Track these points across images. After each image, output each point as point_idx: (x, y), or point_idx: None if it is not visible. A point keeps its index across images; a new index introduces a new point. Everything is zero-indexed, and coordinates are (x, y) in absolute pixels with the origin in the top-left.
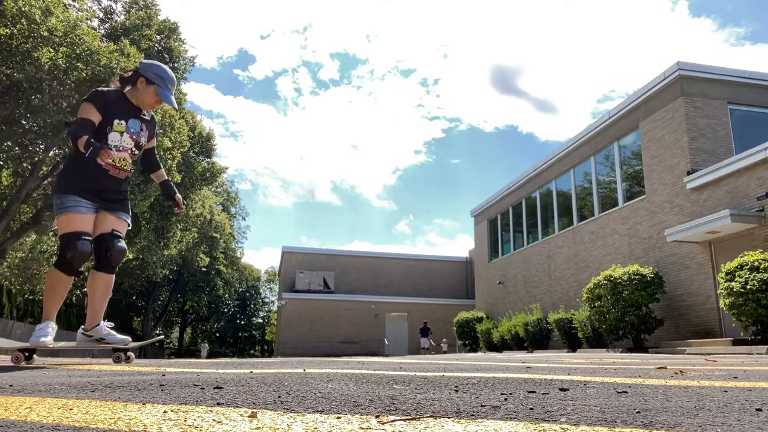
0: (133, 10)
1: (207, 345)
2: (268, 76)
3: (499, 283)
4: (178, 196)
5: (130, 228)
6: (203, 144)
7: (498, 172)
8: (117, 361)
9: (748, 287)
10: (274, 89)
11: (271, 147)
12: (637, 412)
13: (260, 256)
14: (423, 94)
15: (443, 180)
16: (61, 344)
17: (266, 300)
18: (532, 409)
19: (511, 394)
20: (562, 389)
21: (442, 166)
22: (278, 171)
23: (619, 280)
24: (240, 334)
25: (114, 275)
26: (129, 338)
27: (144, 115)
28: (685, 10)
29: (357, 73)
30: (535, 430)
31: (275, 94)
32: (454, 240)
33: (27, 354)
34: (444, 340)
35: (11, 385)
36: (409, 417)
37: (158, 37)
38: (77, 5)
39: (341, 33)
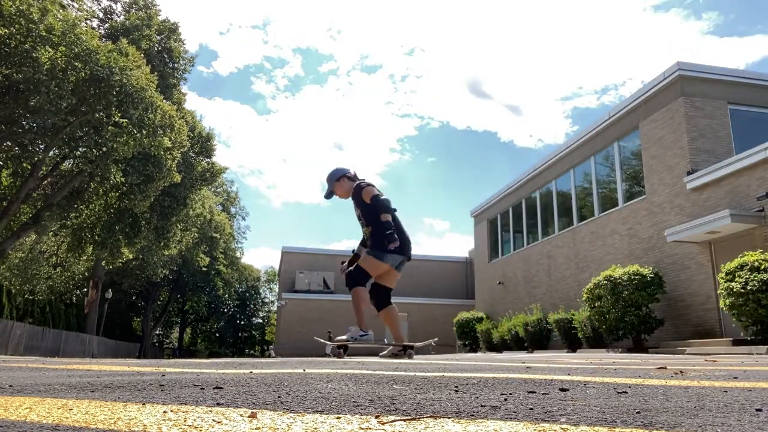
0: (133, 11)
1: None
2: (233, 72)
3: (499, 283)
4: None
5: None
6: (203, 144)
7: (477, 170)
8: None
9: (749, 287)
10: (248, 93)
11: (252, 149)
12: (637, 413)
13: (251, 255)
14: (391, 91)
15: (424, 179)
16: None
17: (266, 300)
18: (532, 409)
19: (511, 394)
20: (562, 389)
21: (420, 164)
22: (263, 173)
23: (619, 280)
24: (240, 334)
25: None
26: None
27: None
28: (650, 7)
29: (322, 70)
30: (535, 430)
31: (250, 97)
32: (442, 239)
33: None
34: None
35: (11, 385)
36: (409, 417)
37: (158, 37)
38: (76, 5)
39: (302, 28)
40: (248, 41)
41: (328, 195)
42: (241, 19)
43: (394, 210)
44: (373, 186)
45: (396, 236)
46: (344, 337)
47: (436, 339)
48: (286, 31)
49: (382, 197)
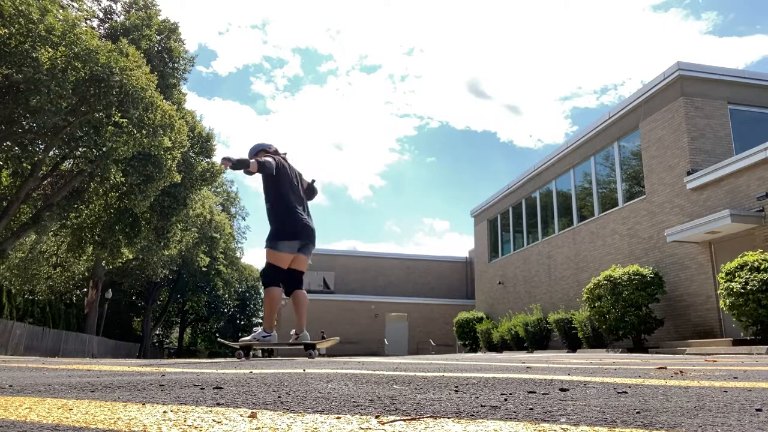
0: (133, 11)
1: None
2: (232, 72)
3: (499, 283)
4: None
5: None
6: (203, 144)
7: (477, 170)
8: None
9: (749, 288)
10: (248, 93)
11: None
12: (637, 413)
13: (251, 255)
14: (390, 91)
15: (424, 178)
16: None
17: None
18: (532, 409)
19: (511, 394)
20: (562, 389)
21: (420, 164)
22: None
23: (619, 280)
24: (240, 335)
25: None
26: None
27: None
28: (649, 7)
29: (321, 70)
30: (535, 430)
31: (250, 97)
32: (442, 239)
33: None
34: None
35: (11, 386)
36: (409, 417)
37: (158, 37)
38: (76, 5)
39: (301, 28)
40: (247, 41)
41: (248, 171)
42: (240, 18)
43: (276, 174)
44: (270, 159)
45: (236, 163)
46: (248, 338)
47: (338, 339)
48: (285, 31)
49: (264, 159)
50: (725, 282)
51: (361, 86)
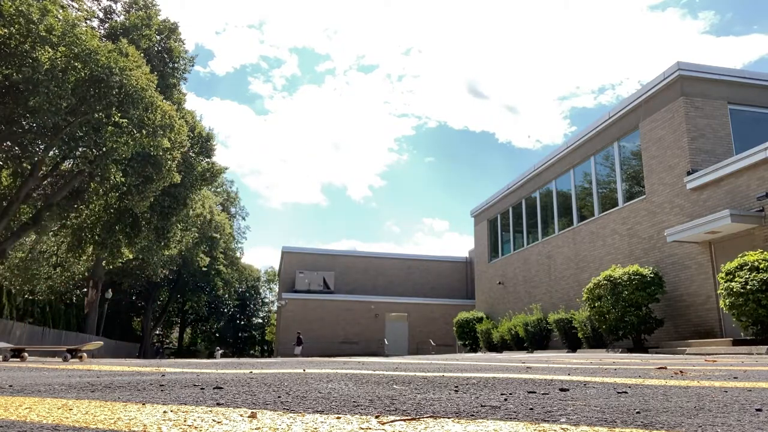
0: (133, 10)
1: (220, 348)
2: (230, 72)
3: (499, 283)
4: None
5: None
6: (203, 144)
7: (476, 171)
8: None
9: (748, 287)
10: (246, 93)
11: (251, 149)
12: (637, 413)
13: (251, 255)
14: (388, 90)
15: (423, 179)
16: None
17: (266, 300)
18: (532, 409)
19: (511, 394)
20: (562, 389)
21: (418, 164)
22: (262, 173)
23: (619, 281)
24: (240, 334)
25: None
26: None
27: None
28: (646, 7)
29: (319, 69)
30: (535, 430)
31: (248, 97)
32: (441, 239)
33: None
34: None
35: (11, 386)
36: (409, 417)
37: (158, 37)
38: (76, 5)
39: (298, 27)
40: (245, 41)
41: None
42: (237, 18)
43: None
44: None
45: None
46: None
47: (100, 343)
48: (282, 31)
49: None
50: (725, 282)
51: (359, 86)
